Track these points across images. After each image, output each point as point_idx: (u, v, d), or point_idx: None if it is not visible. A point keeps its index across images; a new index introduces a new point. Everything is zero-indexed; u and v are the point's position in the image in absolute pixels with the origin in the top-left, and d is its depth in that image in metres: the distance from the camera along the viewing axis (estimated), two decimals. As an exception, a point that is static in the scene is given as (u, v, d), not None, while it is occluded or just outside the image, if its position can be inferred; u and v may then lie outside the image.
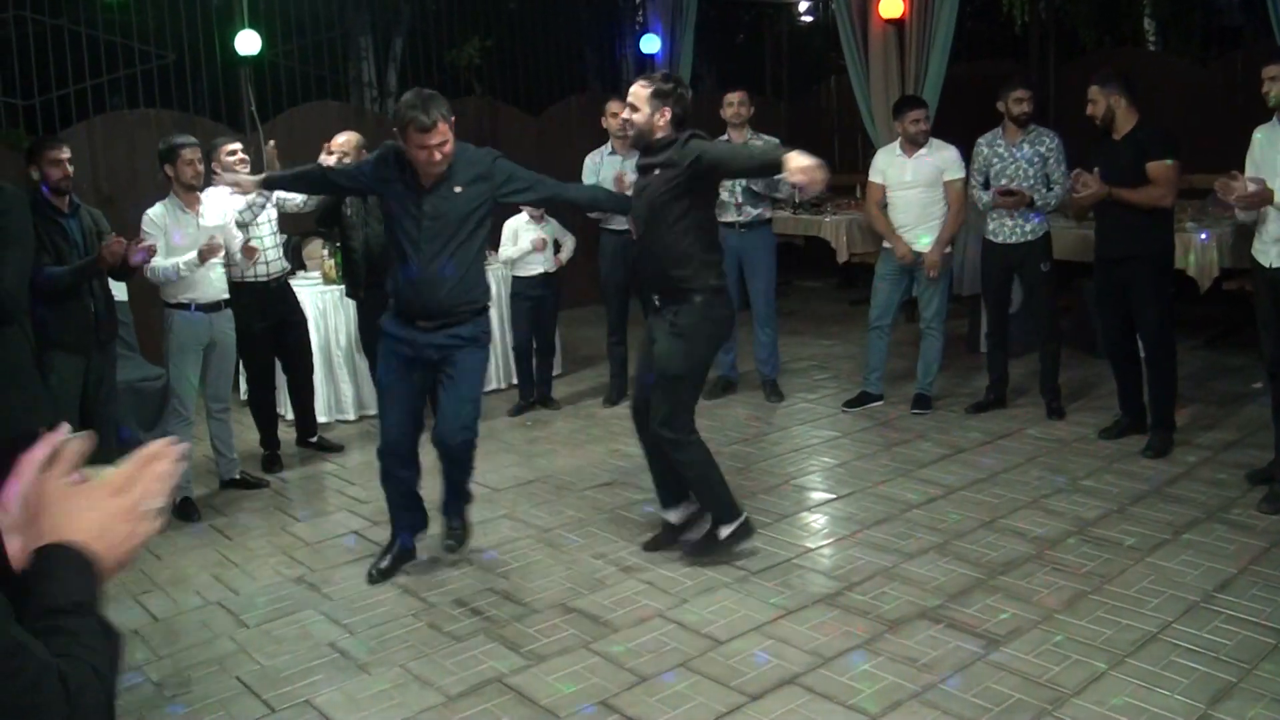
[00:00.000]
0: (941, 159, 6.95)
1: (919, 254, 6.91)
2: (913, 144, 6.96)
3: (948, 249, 7.04)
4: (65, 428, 1.49)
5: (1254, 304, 5.53)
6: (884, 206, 7.10)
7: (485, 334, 4.92)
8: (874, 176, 7.15)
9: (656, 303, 4.82)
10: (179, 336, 5.83)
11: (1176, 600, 4.31)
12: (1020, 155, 6.57)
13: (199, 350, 5.89)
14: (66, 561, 1.34)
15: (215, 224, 5.89)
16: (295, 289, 6.92)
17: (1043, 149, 6.53)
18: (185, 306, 5.82)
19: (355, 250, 6.77)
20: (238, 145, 6.35)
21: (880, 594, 4.52)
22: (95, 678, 1.26)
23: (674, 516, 5.09)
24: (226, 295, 6.00)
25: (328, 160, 6.43)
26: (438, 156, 4.51)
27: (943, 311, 7.12)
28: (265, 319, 6.44)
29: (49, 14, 8.89)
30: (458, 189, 4.67)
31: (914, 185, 6.94)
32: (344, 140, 6.80)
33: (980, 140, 6.80)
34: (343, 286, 7.37)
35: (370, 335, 7.18)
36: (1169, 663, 3.83)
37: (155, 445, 1.52)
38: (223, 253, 5.82)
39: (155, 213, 5.74)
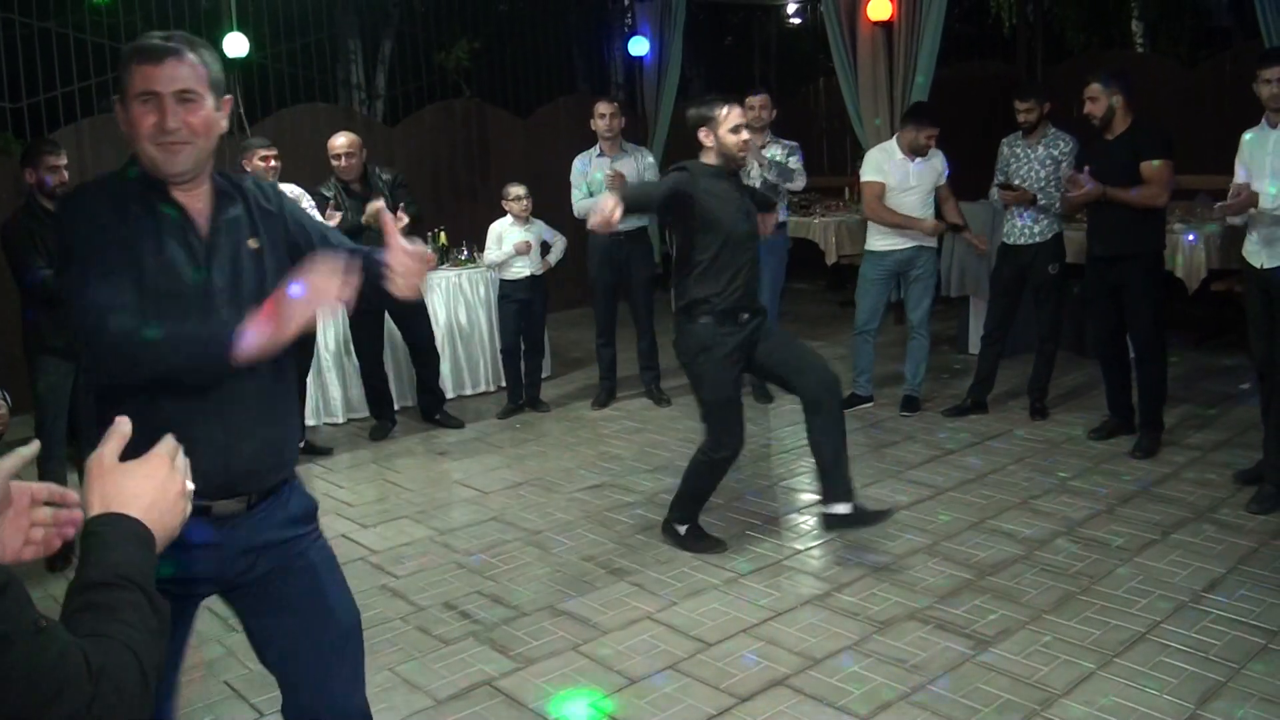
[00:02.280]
0: (937, 164, 7.04)
1: (907, 250, 6.97)
2: (916, 152, 6.99)
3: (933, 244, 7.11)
4: (125, 420, 1.48)
5: (1244, 305, 5.55)
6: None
7: None
8: (875, 175, 7.10)
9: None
10: None
11: (1165, 600, 4.32)
12: (1034, 156, 6.63)
13: None
14: (120, 532, 1.34)
15: None
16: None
17: (1057, 152, 6.56)
18: None
19: None
20: (274, 150, 6.43)
21: (869, 595, 4.52)
22: (129, 653, 1.25)
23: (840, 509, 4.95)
24: None
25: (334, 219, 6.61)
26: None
27: (930, 313, 7.16)
28: None
29: (37, 17, 8.87)
30: None
31: (915, 189, 6.97)
32: (345, 142, 6.83)
33: (1003, 140, 6.86)
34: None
35: (362, 335, 7.18)
36: (1158, 663, 3.83)
37: (171, 441, 1.51)
38: None
39: None
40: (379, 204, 6.58)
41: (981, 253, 7.45)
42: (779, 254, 7.56)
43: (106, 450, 1.43)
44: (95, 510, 1.36)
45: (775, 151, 7.20)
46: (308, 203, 6.51)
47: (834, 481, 4.83)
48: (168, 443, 1.50)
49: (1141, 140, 5.91)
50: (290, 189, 6.56)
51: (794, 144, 7.39)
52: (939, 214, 7.03)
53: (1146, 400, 6.15)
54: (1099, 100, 5.96)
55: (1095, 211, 6.12)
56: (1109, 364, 6.37)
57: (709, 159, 4.80)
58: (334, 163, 6.91)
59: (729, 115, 4.73)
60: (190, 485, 1.49)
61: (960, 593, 4.50)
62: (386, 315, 7.18)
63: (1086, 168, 5.99)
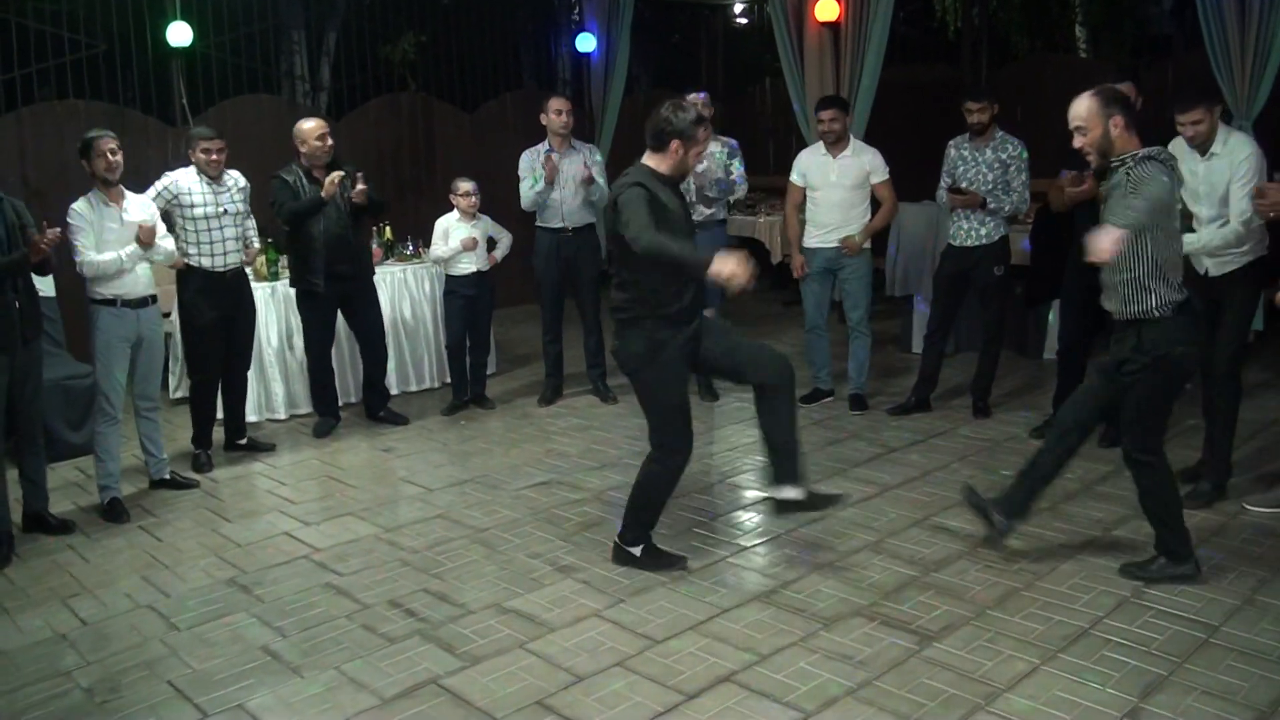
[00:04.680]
0: (866, 161, 7.07)
1: (836, 247, 7.02)
2: (829, 144, 7.06)
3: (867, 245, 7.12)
4: None
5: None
6: (802, 208, 7.22)
7: None
8: (794, 178, 7.22)
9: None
10: (105, 334, 5.72)
11: (1107, 596, 4.37)
12: (981, 160, 6.68)
13: (126, 347, 5.78)
14: None
15: (138, 219, 5.77)
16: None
17: (1005, 155, 6.62)
18: (111, 303, 5.71)
19: (315, 239, 6.79)
20: (218, 141, 6.37)
21: (815, 592, 4.54)
22: None
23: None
24: (154, 292, 5.90)
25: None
26: None
27: (869, 311, 7.21)
28: (216, 309, 6.35)
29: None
30: None
31: (839, 185, 7.02)
32: (317, 125, 6.89)
33: (950, 142, 6.89)
34: (276, 283, 7.34)
35: (313, 326, 7.09)
36: (1100, 657, 3.88)
37: None
38: (161, 234, 5.76)
39: (80, 206, 5.64)
40: (336, 174, 6.59)
41: (850, 253, 7.17)
42: (719, 245, 7.57)
43: None
44: None
45: (714, 149, 7.24)
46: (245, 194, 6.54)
47: (786, 466, 4.80)
48: None
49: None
50: (237, 178, 6.49)
51: (733, 142, 7.42)
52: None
53: None
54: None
55: (1085, 215, 5.83)
56: (1069, 365, 6.42)
57: (661, 167, 4.64)
58: (311, 145, 6.81)
59: (704, 139, 4.68)
60: None
61: (905, 589, 4.53)
62: (338, 308, 7.13)
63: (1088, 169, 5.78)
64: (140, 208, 5.86)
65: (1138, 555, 4.73)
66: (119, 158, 5.68)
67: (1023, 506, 4.74)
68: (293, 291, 7.25)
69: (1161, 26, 15.26)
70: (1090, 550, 4.85)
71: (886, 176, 7.10)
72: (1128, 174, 4.25)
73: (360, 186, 6.84)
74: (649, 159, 4.67)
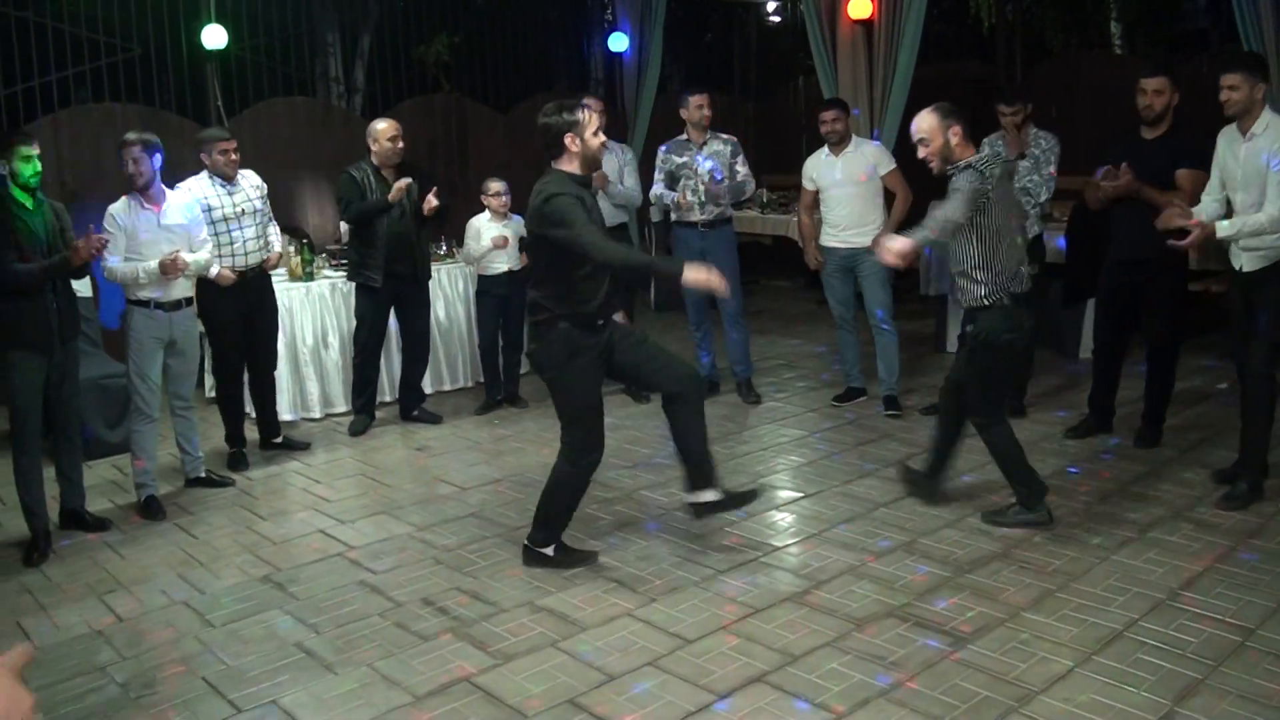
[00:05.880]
0: (869, 153, 7.07)
1: (853, 246, 7.02)
2: (832, 144, 7.06)
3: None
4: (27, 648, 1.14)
5: (1223, 305, 5.56)
6: (815, 211, 7.26)
7: None
8: (805, 182, 7.30)
9: None
10: (138, 333, 5.77)
11: (1142, 598, 4.34)
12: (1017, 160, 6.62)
13: (158, 348, 5.83)
14: None
15: (176, 223, 5.80)
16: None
17: (1039, 151, 6.56)
18: (145, 304, 5.76)
19: (378, 237, 6.86)
20: (233, 142, 6.38)
21: (848, 592, 4.53)
22: None
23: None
24: (190, 294, 5.95)
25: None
26: None
27: (890, 308, 7.15)
28: (237, 309, 6.39)
29: (14, 6, 8.80)
30: None
31: (845, 183, 7.00)
32: (389, 125, 6.98)
33: (985, 140, 6.80)
34: (310, 283, 7.39)
35: (367, 324, 7.15)
36: (1135, 660, 3.85)
37: (22, 650, 1.18)
38: (186, 269, 5.79)
39: (117, 209, 5.68)
40: (405, 180, 6.64)
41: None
42: (730, 246, 7.57)
43: None
44: None
45: (716, 147, 7.26)
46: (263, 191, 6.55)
47: (701, 471, 4.90)
48: (16, 652, 1.21)
49: (1182, 147, 5.74)
50: (251, 176, 6.53)
51: (734, 139, 7.41)
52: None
53: (1153, 397, 6.18)
54: (1163, 94, 5.76)
55: (1123, 214, 5.93)
56: (1105, 363, 6.37)
57: (571, 167, 4.64)
58: (382, 145, 6.90)
59: (591, 118, 4.65)
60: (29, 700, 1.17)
61: (938, 590, 4.51)
62: (392, 306, 7.23)
63: (1124, 164, 5.76)
64: (181, 211, 5.88)
65: (1174, 556, 4.70)
66: (143, 166, 5.65)
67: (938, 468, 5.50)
68: (327, 292, 7.30)
69: (1197, 21, 15.12)
70: (1125, 552, 4.80)
71: (893, 166, 7.09)
72: (951, 181, 4.85)
73: (433, 202, 6.92)
74: (559, 166, 4.66)
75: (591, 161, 4.74)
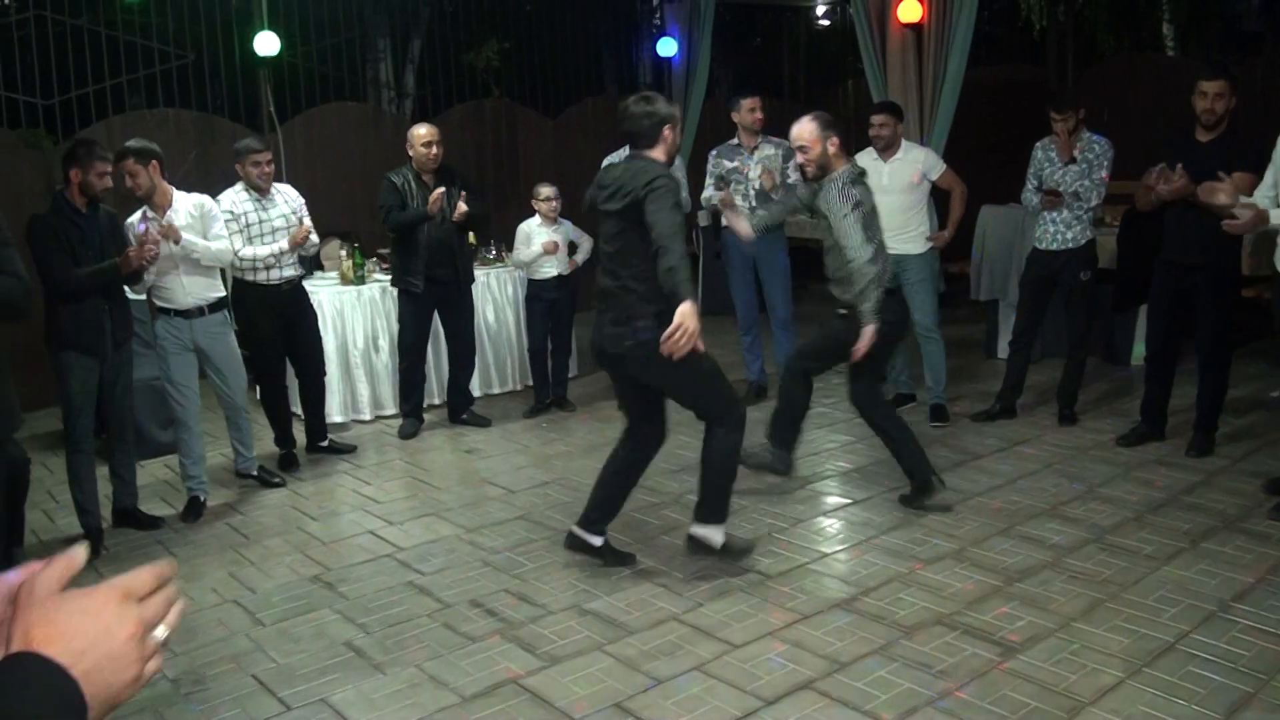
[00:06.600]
0: (918, 160, 6.97)
1: (898, 255, 6.94)
2: (880, 149, 6.99)
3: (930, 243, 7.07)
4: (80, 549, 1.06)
5: (1273, 312, 5.49)
6: None
7: None
8: None
9: None
10: (162, 339, 5.90)
11: (1194, 610, 4.29)
12: (1069, 165, 6.58)
13: (183, 353, 5.89)
14: (19, 681, 0.93)
15: (181, 225, 5.79)
16: (311, 289, 6.96)
17: (1093, 155, 6.49)
18: (166, 311, 5.86)
19: (419, 243, 6.93)
20: (268, 154, 6.41)
21: (896, 600, 4.51)
22: None
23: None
24: (207, 301, 5.94)
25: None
26: None
27: (936, 315, 7.08)
28: (274, 321, 6.46)
29: (70, 14, 8.93)
30: None
31: (891, 190, 6.79)
32: (428, 132, 7.04)
33: (1037, 144, 6.76)
34: (361, 286, 7.46)
35: (410, 325, 7.21)
36: (1186, 672, 3.81)
37: (165, 565, 1.09)
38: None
39: (132, 219, 5.68)
40: (440, 190, 6.68)
41: (939, 245, 7.15)
42: (781, 251, 7.60)
43: (43, 576, 1.02)
44: (14, 647, 0.96)
45: (768, 151, 7.26)
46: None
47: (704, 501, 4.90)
48: (137, 575, 1.07)
49: (1239, 149, 5.60)
50: (287, 191, 6.58)
51: (785, 143, 7.32)
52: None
53: (1205, 403, 6.11)
54: (1224, 97, 5.70)
55: (1176, 218, 5.86)
56: (1157, 369, 6.29)
57: (662, 157, 4.64)
58: (417, 151, 6.97)
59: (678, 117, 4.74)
60: (162, 634, 1.10)
61: (988, 599, 4.48)
62: (435, 310, 7.27)
63: (1179, 165, 5.61)
64: (184, 213, 5.85)
65: (1226, 568, 4.65)
66: (141, 179, 5.67)
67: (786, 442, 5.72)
68: (377, 295, 7.39)
69: (1251, 24, 14.92)
70: (1177, 563, 4.75)
71: (945, 167, 7.00)
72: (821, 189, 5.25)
73: (463, 208, 6.96)
74: (651, 154, 4.63)
75: (672, 156, 4.76)
